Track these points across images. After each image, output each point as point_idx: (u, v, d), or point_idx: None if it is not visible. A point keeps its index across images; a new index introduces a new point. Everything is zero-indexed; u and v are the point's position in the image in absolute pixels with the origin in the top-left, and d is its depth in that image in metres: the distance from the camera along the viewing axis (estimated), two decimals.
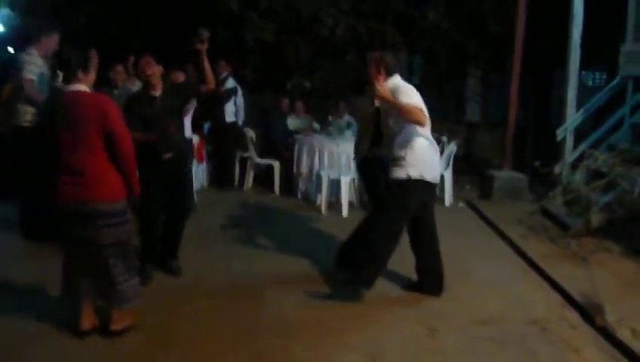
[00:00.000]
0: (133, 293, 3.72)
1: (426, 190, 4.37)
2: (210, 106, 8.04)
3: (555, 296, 4.69)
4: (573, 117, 7.82)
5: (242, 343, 3.75)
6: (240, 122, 8.75)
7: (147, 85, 4.62)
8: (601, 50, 9.38)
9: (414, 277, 4.72)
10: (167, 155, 4.56)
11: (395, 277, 4.85)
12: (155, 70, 4.57)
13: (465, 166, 9.59)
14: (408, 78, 11.38)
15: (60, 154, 3.55)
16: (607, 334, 3.95)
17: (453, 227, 6.27)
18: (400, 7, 9.57)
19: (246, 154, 8.53)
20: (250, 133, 8.52)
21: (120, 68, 6.75)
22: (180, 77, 6.51)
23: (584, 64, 8.29)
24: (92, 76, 3.65)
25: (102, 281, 3.62)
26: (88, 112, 3.45)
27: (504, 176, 8.12)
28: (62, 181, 3.53)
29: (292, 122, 8.96)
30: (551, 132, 8.07)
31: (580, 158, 7.16)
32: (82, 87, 3.57)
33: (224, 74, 8.50)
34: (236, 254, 5.50)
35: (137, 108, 4.52)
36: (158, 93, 4.61)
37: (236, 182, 8.59)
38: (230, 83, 8.54)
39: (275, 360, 3.60)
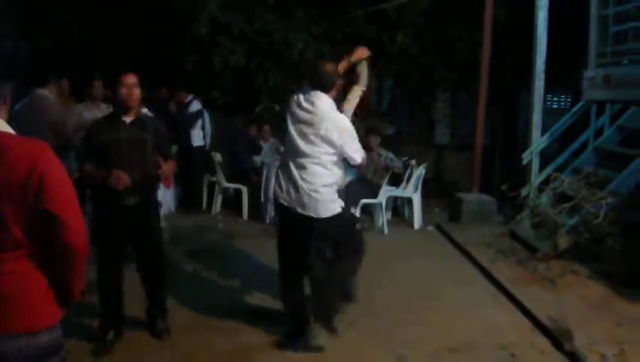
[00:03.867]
0: None
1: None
2: (177, 130, 7.95)
3: (524, 321, 4.68)
4: (538, 140, 7.92)
5: None
6: (207, 146, 8.68)
7: (120, 108, 3.86)
8: (565, 73, 9.56)
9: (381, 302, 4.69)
10: (131, 199, 3.82)
11: (363, 305, 4.77)
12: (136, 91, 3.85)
13: (434, 188, 9.63)
14: (377, 102, 11.60)
15: None
16: (576, 359, 3.94)
17: (422, 250, 6.26)
18: (371, 32, 9.66)
19: (214, 179, 8.43)
20: (218, 157, 8.43)
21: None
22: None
23: (549, 87, 8.43)
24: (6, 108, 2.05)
25: None
26: (8, 175, 1.85)
27: (472, 198, 8.16)
28: None
29: (261, 154, 8.85)
30: (518, 154, 8.16)
31: (547, 181, 7.23)
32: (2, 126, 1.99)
33: (189, 97, 8.47)
34: (203, 283, 5.37)
35: (99, 136, 3.82)
36: (129, 119, 3.87)
37: (204, 206, 8.47)
38: (195, 106, 8.50)
39: None
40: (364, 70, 4.40)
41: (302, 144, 3.88)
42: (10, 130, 1.97)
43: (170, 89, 8.88)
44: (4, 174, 1.83)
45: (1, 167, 1.84)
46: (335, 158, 3.92)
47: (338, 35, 9.92)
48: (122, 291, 4.06)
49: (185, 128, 8.30)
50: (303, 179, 3.87)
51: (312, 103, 3.90)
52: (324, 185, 3.88)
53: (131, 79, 3.80)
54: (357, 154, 3.97)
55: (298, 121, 3.93)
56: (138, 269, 4.14)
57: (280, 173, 4.05)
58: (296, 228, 4.00)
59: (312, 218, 3.88)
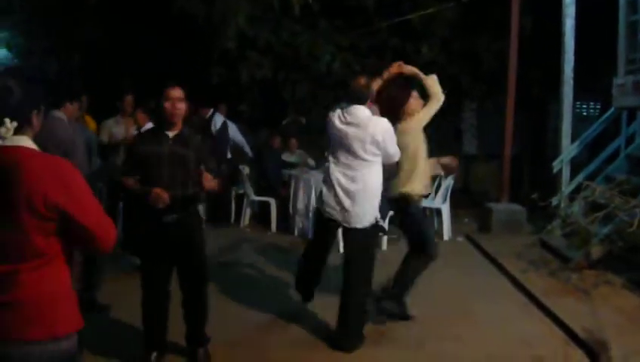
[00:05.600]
0: None
1: None
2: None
3: (559, 333, 4.61)
4: (568, 148, 7.84)
5: None
6: (250, 155, 8.82)
7: (164, 122, 3.76)
8: (594, 80, 9.45)
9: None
10: (170, 217, 3.69)
11: (394, 318, 4.78)
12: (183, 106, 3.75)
13: (463, 199, 9.56)
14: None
15: None
16: None
17: (452, 262, 6.21)
18: (396, 42, 9.69)
19: (241, 191, 8.50)
20: (246, 170, 8.50)
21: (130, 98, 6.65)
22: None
23: (578, 95, 8.35)
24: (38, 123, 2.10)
25: None
26: (30, 188, 1.93)
27: (502, 208, 8.09)
28: None
29: (287, 158, 8.96)
30: (548, 163, 8.07)
31: (577, 190, 7.13)
32: (26, 142, 2.03)
33: (210, 111, 8.56)
34: (234, 295, 5.41)
35: (141, 149, 3.74)
36: (172, 133, 3.76)
37: (232, 219, 8.54)
38: (218, 119, 8.57)
39: None
40: (430, 84, 4.58)
41: (350, 155, 4.15)
42: (34, 146, 2.05)
43: (195, 104, 9.00)
44: (26, 186, 1.92)
45: (24, 180, 1.92)
46: (380, 160, 4.19)
47: (364, 46, 9.98)
48: (167, 312, 3.90)
49: (221, 145, 8.41)
50: (353, 190, 4.15)
51: (352, 114, 4.15)
52: (373, 189, 4.17)
53: (177, 92, 3.70)
54: (396, 154, 4.26)
55: (343, 133, 4.16)
56: (181, 289, 3.92)
57: (325, 188, 4.29)
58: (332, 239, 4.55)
59: (356, 228, 4.18)
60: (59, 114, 4.59)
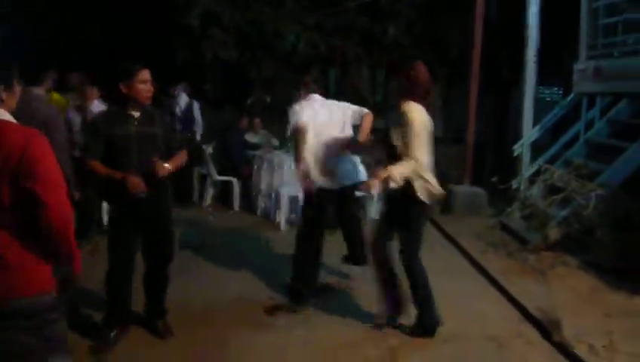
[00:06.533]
0: None
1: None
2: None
3: (514, 312, 4.69)
4: (529, 132, 7.94)
5: None
6: (198, 137, 8.65)
7: (131, 103, 3.73)
8: (556, 66, 9.57)
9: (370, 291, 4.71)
10: (140, 193, 3.65)
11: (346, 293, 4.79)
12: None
13: None
14: (371, 94, 11.56)
15: None
16: (564, 350, 3.95)
17: None
18: (363, 22, 9.64)
19: (204, 171, 8.40)
20: (209, 150, 8.39)
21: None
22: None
23: (543, 79, 8.45)
24: (15, 97, 2.25)
25: None
26: (3, 158, 2.05)
27: (464, 190, 8.17)
28: None
29: (250, 138, 8.88)
30: (510, 147, 8.17)
31: (537, 173, 7.25)
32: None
33: (177, 89, 8.47)
34: (195, 273, 5.36)
35: (109, 131, 3.70)
36: (137, 113, 3.76)
37: (195, 199, 8.45)
38: (183, 98, 8.47)
39: None
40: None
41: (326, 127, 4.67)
42: (11, 118, 2.15)
43: (161, 83, 8.86)
44: (0, 158, 2.04)
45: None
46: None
47: (330, 26, 9.90)
48: (131, 287, 3.94)
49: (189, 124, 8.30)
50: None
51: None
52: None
53: (147, 75, 3.71)
54: (362, 110, 4.81)
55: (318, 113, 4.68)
56: (146, 262, 3.99)
57: (313, 162, 4.63)
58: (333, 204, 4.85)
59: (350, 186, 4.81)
60: (38, 91, 4.47)
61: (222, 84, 10.58)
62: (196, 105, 8.58)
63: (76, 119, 6.04)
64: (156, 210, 3.85)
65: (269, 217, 7.56)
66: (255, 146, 8.65)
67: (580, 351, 3.86)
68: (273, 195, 7.48)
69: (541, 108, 8.64)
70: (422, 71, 3.99)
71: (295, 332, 4.20)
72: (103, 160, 3.70)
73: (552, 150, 7.81)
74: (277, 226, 7.16)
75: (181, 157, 3.92)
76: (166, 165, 3.73)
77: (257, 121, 9.03)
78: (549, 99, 13.44)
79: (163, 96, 8.66)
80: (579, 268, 5.57)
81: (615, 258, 5.36)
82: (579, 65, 7.45)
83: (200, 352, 3.89)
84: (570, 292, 5.00)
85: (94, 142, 3.76)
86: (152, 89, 3.75)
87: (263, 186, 7.70)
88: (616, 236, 5.49)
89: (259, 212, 7.78)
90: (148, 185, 3.65)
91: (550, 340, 4.09)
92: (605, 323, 4.34)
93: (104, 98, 6.07)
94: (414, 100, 3.92)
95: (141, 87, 3.68)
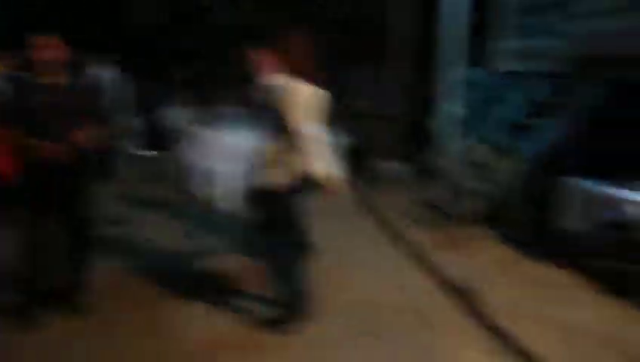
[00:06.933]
0: None
1: None
2: None
3: (436, 282, 4.85)
4: (446, 108, 8.12)
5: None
6: (115, 110, 8.42)
7: (39, 71, 3.67)
8: (480, 46, 9.80)
9: None
10: (57, 165, 3.62)
11: None
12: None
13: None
14: None
15: None
16: (484, 320, 4.11)
17: (338, 216, 6.37)
18: None
19: (130, 147, 8.18)
20: (135, 125, 8.17)
21: None
22: None
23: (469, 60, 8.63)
24: None
25: None
26: None
27: (389, 167, 8.33)
28: None
29: (177, 115, 8.68)
30: (434, 124, 8.35)
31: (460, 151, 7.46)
32: None
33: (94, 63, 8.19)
34: (119, 249, 5.25)
35: (22, 101, 3.66)
36: (51, 81, 3.70)
37: (119, 174, 8.23)
38: (106, 72, 8.18)
39: None
40: None
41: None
42: None
43: (79, 54, 8.52)
44: None
45: None
46: None
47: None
48: (45, 263, 3.84)
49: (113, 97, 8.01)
50: None
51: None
52: None
53: (47, 40, 3.60)
54: None
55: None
56: (65, 236, 3.91)
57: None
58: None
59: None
60: None
61: (150, 56, 10.26)
62: (107, 76, 8.26)
63: None
64: (73, 183, 3.81)
65: (193, 193, 7.44)
66: (183, 121, 8.46)
67: (500, 321, 4.01)
68: (200, 171, 7.36)
69: (468, 87, 8.84)
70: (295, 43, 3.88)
71: None
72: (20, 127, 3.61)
73: (473, 128, 8.03)
74: (206, 203, 7.06)
75: (98, 129, 3.83)
76: (81, 133, 3.66)
77: (187, 95, 8.85)
78: (474, 78, 13.77)
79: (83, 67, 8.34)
80: (499, 241, 5.84)
81: (531, 234, 5.64)
82: (499, 45, 7.66)
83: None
84: (490, 264, 5.23)
85: (6, 112, 3.66)
86: (54, 55, 3.63)
87: (189, 162, 7.56)
88: (527, 210, 5.76)
89: (185, 188, 7.65)
90: (65, 156, 3.60)
91: (471, 311, 4.25)
92: (523, 292, 4.57)
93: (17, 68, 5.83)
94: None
95: (45, 53, 3.59)
